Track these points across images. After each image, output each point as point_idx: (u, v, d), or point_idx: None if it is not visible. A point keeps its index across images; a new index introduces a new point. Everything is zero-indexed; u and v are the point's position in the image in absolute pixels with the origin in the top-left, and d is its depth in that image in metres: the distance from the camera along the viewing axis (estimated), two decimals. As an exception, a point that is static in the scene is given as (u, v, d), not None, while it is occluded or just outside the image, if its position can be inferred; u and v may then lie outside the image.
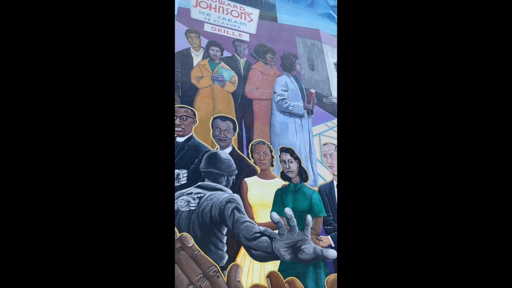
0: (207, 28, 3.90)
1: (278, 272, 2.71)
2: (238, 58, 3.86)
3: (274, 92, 3.83)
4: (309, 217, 3.04)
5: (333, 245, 3.07)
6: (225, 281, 2.51)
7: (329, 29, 5.13)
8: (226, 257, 2.63)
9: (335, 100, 4.32)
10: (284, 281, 2.69)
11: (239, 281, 2.56)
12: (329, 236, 3.11)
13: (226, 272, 2.55)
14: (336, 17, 5.37)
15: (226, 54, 3.81)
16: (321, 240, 3.04)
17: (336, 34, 5.18)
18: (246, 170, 3.12)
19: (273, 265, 2.76)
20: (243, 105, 3.55)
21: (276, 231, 2.88)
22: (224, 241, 2.69)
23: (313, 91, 4.13)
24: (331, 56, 4.79)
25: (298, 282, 2.72)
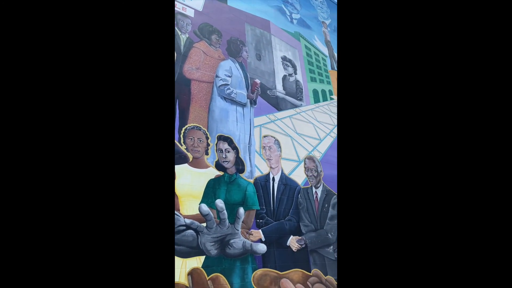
0: (146, -6, 3.44)
1: (202, 269, 2.48)
2: (179, 33, 3.49)
3: (217, 76, 3.57)
4: (241, 210, 2.87)
5: (263, 239, 2.96)
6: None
7: (280, 22, 5.06)
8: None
9: (279, 94, 4.25)
10: (207, 278, 2.47)
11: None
12: (260, 230, 2.99)
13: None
14: (287, 11, 5.35)
15: (166, 27, 3.41)
16: (252, 234, 2.90)
17: (286, 29, 5.15)
18: (176, 157, 2.81)
19: (197, 261, 2.51)
20: (180, 85, 3.21)
21: (204, 224, 2.64)
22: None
23: (258, 81, 3.99)
24: (279, 50, 4.72)
25: (223, 278, 2.53)
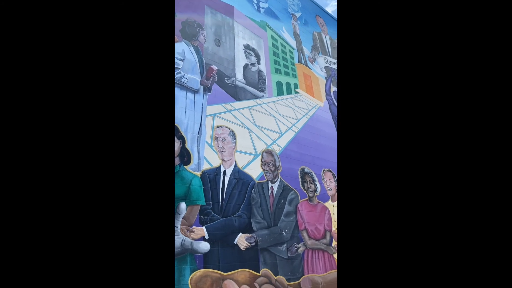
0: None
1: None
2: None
3: (166, 59, 3.26)
4: (182, 205, 2.60)
5: (207, 237, 2.71)
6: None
7: (245, 10, 4.81)
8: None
9: (238, 83, 4.01)
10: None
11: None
12: (203, 227, 2.74)
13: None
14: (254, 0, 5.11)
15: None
16: (193, 232, 2.64)
17: (251, 17, 4.91)
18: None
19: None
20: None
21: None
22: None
23: (214, 67, 3.72)
24: (241, 37, 4.47)
25: (154, 281, 2.25)
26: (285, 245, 3.38)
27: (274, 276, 3.07)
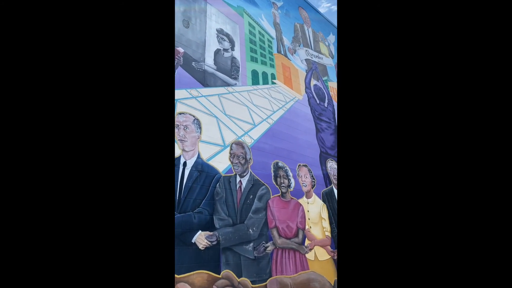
0: None
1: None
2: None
3: (123, 36, 2.92)
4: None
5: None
6: None
7: (220, -7, 4.50)
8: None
9: (208, 68, 3.70)
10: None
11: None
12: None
13: None
14: (231, -17, 4.80)
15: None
16: (141, 229, 2.33)
17: (227, 1, 4.61)
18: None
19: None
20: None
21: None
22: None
23: (180, 49, 3.40)
24: (214, 21, 4.17)
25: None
26: (251, 244, 3.11)
27: (236, 278, 2.80)
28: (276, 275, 3.20)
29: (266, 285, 3.04)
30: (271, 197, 3.61)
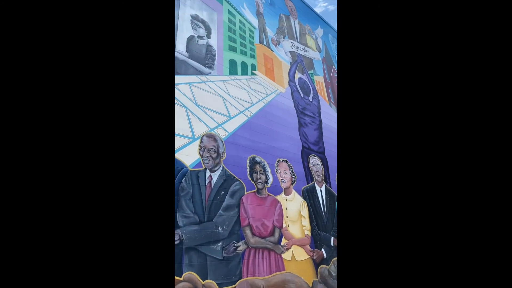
0: None
1: None
2: None
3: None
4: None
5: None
6: None
7: (197, -23, 4.25)
8: None
9: (179, 55, 3.45)
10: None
11: None
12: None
13: None
14: (209, -33, 4.54)
15: None
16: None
17: (205, -13, 4.35)
18: None
19: None
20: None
21: None
22: None
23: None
24: (189, 6, 3.91)
25: None
26: (220, 244, 2.89)
27: (201, 281, 2.57)
28: (247, 276, 2.99)
29: (235, 287, 2.82)
30: (246, 193, 3.39)
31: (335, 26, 7.76)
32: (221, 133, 3.47)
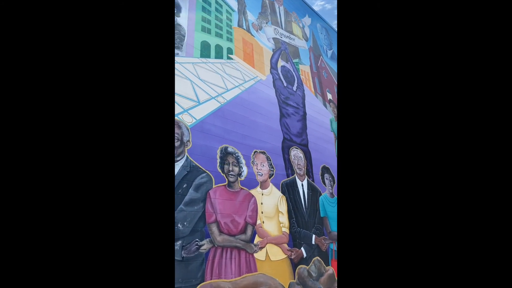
0: None
1: None
2: None
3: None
4: None
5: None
6: None
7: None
8: None
9: (139, 32, 3.09)
10: None
11: None
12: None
13: None
14: None
15: None
16: None
17: (176, -38, 3.99)
18: None
19: None
20: None
21: None
22: None
23: (99, 5, 2.78)
24: (156, -20, 3.55)
25: None
26: (179, 242, 2.55)
27: (152, 285, 2.23)
28: (212, 279, 2.66)
29: (195, 292, 2.49)
30: (214, 186, 3.05)
31: (329, 21, 7.44)
32: (187, 120, 3.12)
